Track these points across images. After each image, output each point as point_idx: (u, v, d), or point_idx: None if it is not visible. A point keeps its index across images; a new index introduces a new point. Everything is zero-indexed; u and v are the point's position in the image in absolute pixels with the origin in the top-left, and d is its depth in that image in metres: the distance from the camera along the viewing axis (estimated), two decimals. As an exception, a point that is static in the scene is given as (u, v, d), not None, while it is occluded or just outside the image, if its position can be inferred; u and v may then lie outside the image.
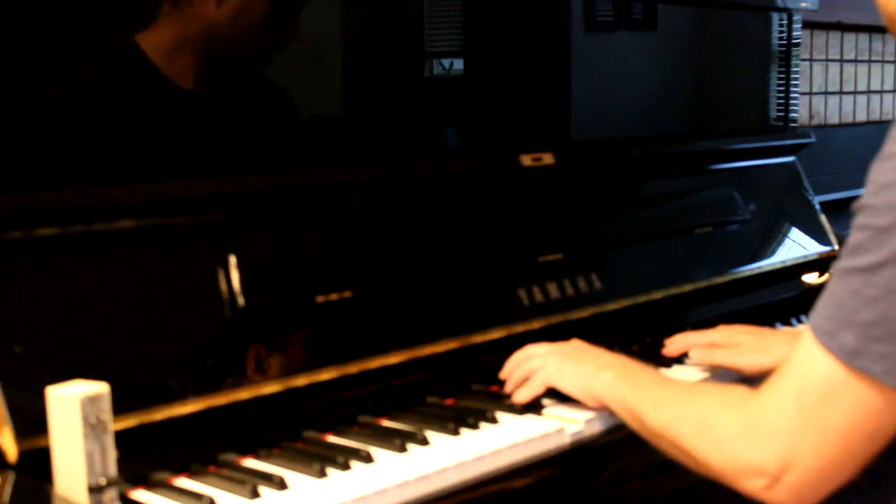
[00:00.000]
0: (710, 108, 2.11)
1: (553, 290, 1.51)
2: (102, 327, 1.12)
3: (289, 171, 1.38)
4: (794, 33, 2.16)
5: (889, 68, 3.06)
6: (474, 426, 1.22)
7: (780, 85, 2.16)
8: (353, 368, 1.28)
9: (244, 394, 1.18)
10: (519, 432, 1.20)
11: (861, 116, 2.97)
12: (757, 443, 0.96)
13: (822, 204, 2.07)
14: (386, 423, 1.24)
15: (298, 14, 1.44)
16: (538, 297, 1.49)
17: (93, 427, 0.95)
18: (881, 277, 0.89)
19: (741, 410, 0.99)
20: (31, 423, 1.02)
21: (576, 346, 1.31)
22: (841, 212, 2.20)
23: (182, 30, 1.30)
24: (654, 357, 1.47)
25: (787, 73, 2.16)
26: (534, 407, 1.28)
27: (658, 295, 1.66)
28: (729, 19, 2.10)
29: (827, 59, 2.81)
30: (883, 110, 3.05)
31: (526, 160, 1.61)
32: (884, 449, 0.95)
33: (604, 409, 1.23)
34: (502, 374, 1.33)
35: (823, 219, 2.03)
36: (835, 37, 2.81)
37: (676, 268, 1.73)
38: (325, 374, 1.25)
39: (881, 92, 3.05)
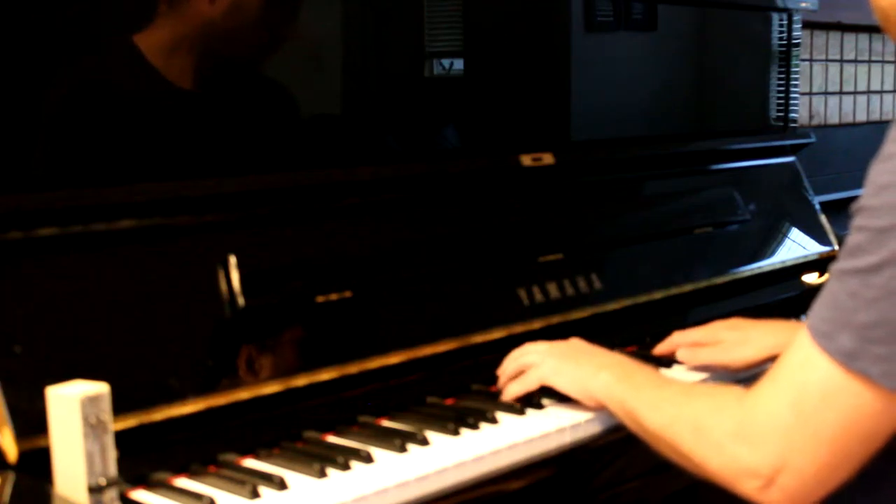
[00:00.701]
0: (710, 108, 2.11)
1: (553, 290, 1.51)
2: (102, 327, 1.12)
3: (289, 171, 1.38)
4: (794, 33, 2.16)
5: (889, 68, 3.06)
6: (474, 426, 1.22)
7: (780, 85, 2.16)
8: (353, 368, 1.28)
9: (244, 394, 1.18)
10: (519, 432, 1.20)
11: (861, 116, 2.97)
12: (752, 445, 0.96)
13: (822, 204, 2.07)
14: (386, 423, 1.24)
15: (295, 12, 1.44)
16: (538, 297, 1.49)
17: (93, 427, 0.95)
18: (880, 279, 0.89)
19: (736, 412, 0.99)
20: (31, 423, 1.02)
21: (573, 345, 1.31)
22: (841, 212, 2.19)
23: (178, 29, 1.31)
24: (654, 358, 1.47)
25: (787, 73, 2.16)
26: (534, 407, 1.28)
27: (658, 295, 1.66)
28: (729, 19, 2.10)
29: (827, 59, 2.81)
30: (883, 110, 3.05)
31: (526, 160, 1.61)
32: (879, 450, 0.95)
33: (602, 409, 1.23)
34: (499, 372, 1.33)
35: (823, 219, 2.03)
36: (835, 37, 2.81)
37: (676, 268, 1.73)
38: (325, 374, 1.25)
39: (881, 92, 3.06)
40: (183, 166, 1.29)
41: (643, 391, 1.15)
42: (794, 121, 2.19)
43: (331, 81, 1.52)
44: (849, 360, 0.91)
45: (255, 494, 1.03)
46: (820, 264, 1.97)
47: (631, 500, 1.36)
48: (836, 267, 0.94)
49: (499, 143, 1.66)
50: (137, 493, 1.05)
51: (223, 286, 1.22)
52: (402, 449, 1.14)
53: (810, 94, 2.75)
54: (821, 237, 2.00)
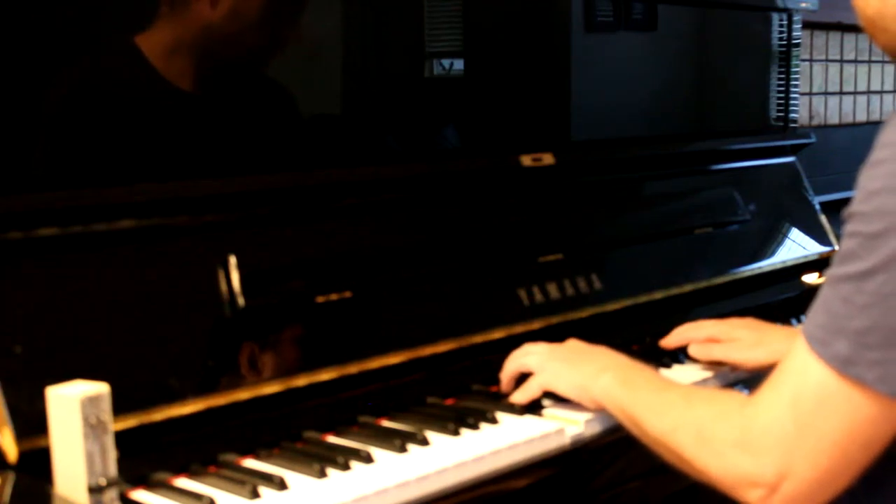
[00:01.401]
0: (710, 109, 2.11)
1: (553, 290, 1.51)
2: (102, 327, 1.12)
3: (289, 171, 1.38)
4: (794, 33, 2.16)
5: (889, 68, 3.06)
6: (474, 426, 1.22)
7: (780, 85, 2.16)
8: (353, 368, 1.28)
9: (244, 394, 1.18)
10: (519, 433, 1.20)
11: (861, 116, 2.97)
12: (753, 453, 0.96)
13: (822, 204, 2.07)
14: (386, 423, 1.24)
15: (295, 15, 1.44)
16: (538, 297, 1.49)
17: (93, 427, 0.95)
18: (872, 284, 0.89)
19: (737, 420, 0.99)
20: (31, 423, 1.02)
21: (572, 346, 1.31)
22: (841, 212, 2.19)
23: (179, 31, 1.31)
24: (654, 357, 1.47)
25: (787, 73, 2.16)
26: (534, 407, 1.28)
27: (658, 295, 1.66)
28: (729, 19, 2.10)
29: (827, 60, 2.81)
30: (883, 110, 3.05)
31: (526, 160, 1.61)
32: (880, 456, 0.95)
33: (602, 411, 1.23)
34: (501, 375, 1.33)
35: (823, 219, 2.03)
36: (835, 37, 2.81)
37: (677, 268, 1.73)
38: (325, 375, 1.25)
39: (881, 92, 3.05)
40: (183, 166, 1.29)
41: (644, 395, 1.14)
42: (794, 121, 2.19)
43: (331, 81, 1.52)
44: (844, 365, 0.91)
45: (255, 494, 1.03)
46: (820, 264, 1.97)
47: (631, 501, 1.36)
48: (829, 273, 0.94)
49: (499, 143, 1.66)
50: (137, 493, 1.05)
51: (223, 286, 1.22)
52: (403, 449, 1.14)
53: (810, 94, 2.75)
54: (821, 237, 2.00)
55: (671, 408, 1.09)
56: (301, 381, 1.23)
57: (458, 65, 1.65)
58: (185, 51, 1.31)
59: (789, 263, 1.91)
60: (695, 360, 1.46)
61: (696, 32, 2.06)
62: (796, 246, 1.95)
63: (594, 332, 1.43)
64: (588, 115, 1.82)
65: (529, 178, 1.62)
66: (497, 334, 1.43)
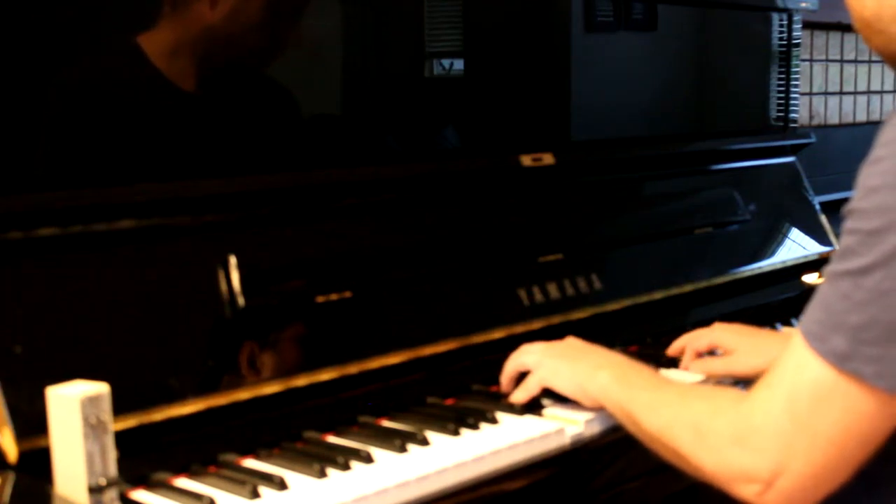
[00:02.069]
0: (710, 109, 2.11)
1: (553, 290, 1.51)
2: (102, 327, 1.12)
3: (289, 172, 1.38)
4: (794, 33, 2.16)
5: (889, 68, 3.05)
6: (474, 426, 1.22)
7: (780, 85, 2.16)
8: (353, 368, 1.28)
9: (244, 394, 1.18)
10: (519, 433, 1.20)
11: (861, 116, 2.97)
12: (749, 449, 0.97)
13: (822, 204, 2.07)
14: (386, 423, 1.24)
15: (296, 16, 1.44)
16: (538, 297, 1.49)
17: (93, 427, 0.95)
18: (871, 281, 0.89)
19: (733, 416, 0.99)
20: (31, 423, 1.02)
21: (570, 344, 1.31)
22: (840, 209, 2.18)
23: (180, 32, 1.31)
24: (654, 357, 1.47)
25: (787, 73, 2.16)
26: (534, 407, 1.28)
27: (658, 295, 1.66)
28: (729, 19, 2.10)
29: (827, 59, 2.81)
30: (883, 110, 3.05)
31: (526, 160, 1.61)
32: (878, 454, 0.95)
33: (600, 409, 1.23)
34: (501, 377, 1.33)
35: (823, 219, 2.03)
36: (835, 37, 2.81)
37: (677, 268, 1.73)
38: (325, 374, 1.25)
39: (881, 92, 3.05)
40: (183, 166, 1.29)
41: (641, 392, 1.15)
42: (794, 121, 2.19)
43: (331, 81, 1.52)
44: (842, 361, 0.91)
45: (255, 494, 1.03)
46: (820, 264, 1.97)
47: (631, 501, 1.36)
48: (828, 269, 0.94)
49: (499, 144, 1.66)
50: (137, 493, 1.05)
51: (223, 286, 1.22)
52: (403, 449, 1.14)
53: (810, 94, 2.75)
54: (821, 237, 2.00)
55: (668, 404, 1.10)
56: (301, 381, 1.23)
57: (458, 65, 1.65)
58: (186, 51, 1.31)
59: (789, 263, 1.91)
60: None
61: (696, 32, 2.06)
62: (796, 246, 1.95)
63: (594, 332, 1.43)
64: (588, 115, 1.82)
65: (529, 178, 1.62)
66: (497, 334, 1.43)
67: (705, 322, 1.61)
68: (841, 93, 2.87)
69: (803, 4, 2.15)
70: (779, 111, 2.17)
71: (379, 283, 1.36)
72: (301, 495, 1.03)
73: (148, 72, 1.29)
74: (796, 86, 2.19)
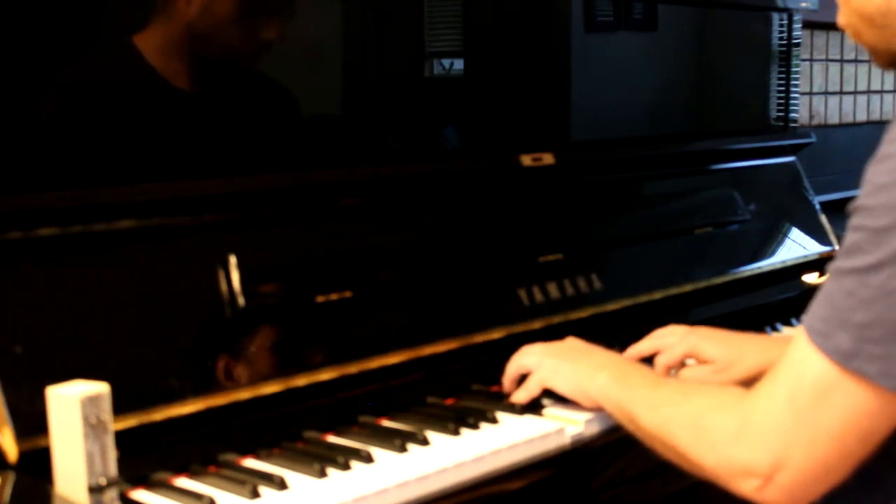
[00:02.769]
0: (710, 108, 2.11)
1: (553, 290, 1.51)
2: (102, 327, 1.12)
3: (289, 171, 1.38)
4: (794, 33, 2.16)
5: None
6: (474, 426, 1.22)
7: (780, 85, 2.16)
8: (353, 368, 1.28)
9: (244, 394, 1.18)
10: (519, 433, 1.20)
11: (861, 116, 2.97)
12: (749, 444, 0.96)
13: (822, 204, 2.07)
14: (386, 423, 1.24)
15: (277, 12, 1.41)
16: (538, 297, 1.49)
17: (93, 427, 0.95)
18: (877, 279, 0.89)
19: (734, 411, 0.99)
20: (31, 423, 1.02)
21: (571, 345, 1.31)
22: (841, 212, 2.18)
23: (168, 30, 1.30)
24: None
25: (787, 73, 2.16)
26: (534, 407, 1.28)
27: (658, 295, 1.66)
28: (729, 19, 2.10)
29: (827, 59, 2.81)
30: (883, 110, 3.05)
31: (526, 160, 1.61)
32: (877, 453, 0.95)
33: (600, 410, 1.23)
34: (503, 378, 1.33)
35: (823, 219, 2.03)
36: (835, 37, 2.81)
37: (676, 268, 1.73)
38: (325, 374, 1.25)
39: (881, 92, 3.05)
40: (183, 166, 1.29)
41: (640, 391, 1.15)
42: (794, 121, 2.19)
43: (331, 81, 1.52)
44: (846, 359, 0.91)
45: (255, 494, 1.03)
46: (820, 264, 1.97)
47: (631, 501, 1.36)
48: (833, 266, 0.94)
49: (499, 144, 1.66)
50: (137, 493, 1.05)
51: (223, 286, 1.22)
52: (403, 449, 1.14)
53: (810, 94, 2.75)
54: (821, 237, 2.00)
55: (667, 402, 1.09)
56: (301, 381, 1.23)
57: (458, 65, 1.65)
58: (174, 49, 1.31)
59: (789, 263, 1.91)
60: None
61: (696, 32, 2.06)
62: (796, 246, 1.95)
63: (594, 332, 1.42)
64: (588, 115, 1.82)
65: (529, 178, 1.61)
66: (497, 334, 1.43)
67: (705, 322, 1.61)
68: (841, 93, 2.87)
69: (803, 4, 2.15)
70: (779, 111, 2.17)
71: (379, 283, 1.36)
72: (301, 495, 1.03)
73: (144, 71, 1.29)
74: (796, 86, 2.19)
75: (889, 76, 3.07)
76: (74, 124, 1.23)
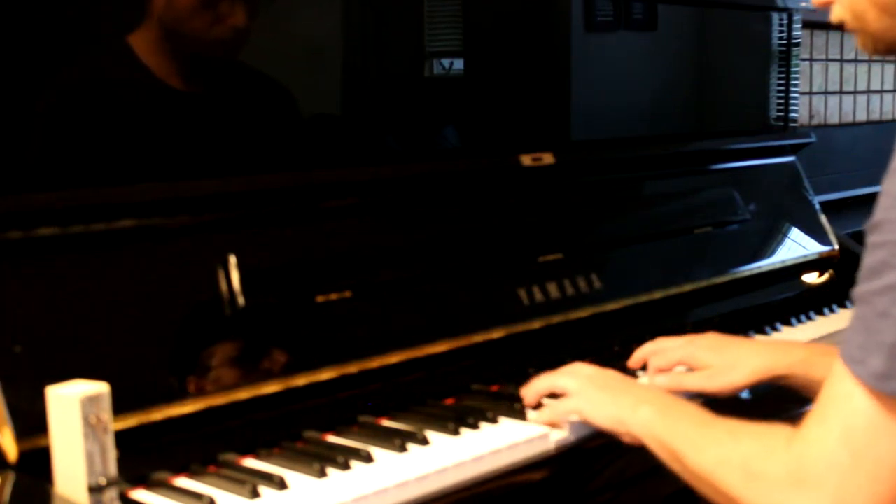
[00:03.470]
0: (710, 108, 2.11)
1: (553, 289, 1.51)
2: (102, 327, 1.12)
3: (289, 171, 1.38)
4: (794, 33, 2.16)
5: (889, 68, 3.06)
6: (474, 426, 1.22)
7: (780, 85, 2.16)
8: (352, 368, 1.28)
9: (244, 394, 1.18)
10: (519, 432, 1.20)
11: (861, 116, 2.97)
12: (807, 489, 0.92)
13: (822, 204, 2.07)
14: (386, 422, 1.24)
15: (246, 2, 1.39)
16: (538, 296, 1.49)
17: (93, 427, 0.95)
18: None
19: (786, 456, 0.94)
20: (31, 423, 1.02)
21: (612, 376, 1.25)
22: (841, 212, 2.19)
23: (153, 28, 1.30)
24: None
25: (787, 73, 2.16)
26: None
27: (658, 295, 1.66)
28: (729, 19, 2.10)
29: (827, 59, 2.81)
30: (883, 110, 3.05)
31: (526, 160, 1.61)
32: None
33: (639, 445, 1.17)
34: (527, 389, 1.29)
35: (823, 219, 2.03)
36: (835, 36, 2.81)
37: (676, 268, 1.73)
38: (325, 374, 1.25)
39: (881, 92, 3.05)
40: (183, 166, 1.29)
41: (685, 429, 1.09)
42: (794, 120, 2.19)
43: (331, 81, 1.52)
44: (881, 382, 0.86)
45: (255, 494, 1.03)
46: (820, 264, 1.97)
47: (631, 500, 1.36)
48: (859, 291, 0.90)
49: (499, 143, 1.66)
50: (137, 493, 1.05)
51: (223, 286, 1.22)
52: (402, 449, 1.14)
53: (810, 93, 2.75)
54: (821, 237, 2.00)
55: (715, 443, 1.04)
56: (301, 380, 1.23)
57: (458, 65, 1.65)
58: (161, 47, 1.31)
59: (789, 263, 1.91)
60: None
61: (696, 32, 2.06)
62: (796, 246, 1.95)
63: (594, 332, 1.43)
64: (588, 115, 1.82)
65: (529, 178, 1.62)
66: (497, 334, 1.43)
67: (705, 322, 1.62)
68: (841, 92, 2.87)
69: (803, 4, 2.15)
70: (779, 111, 2.17)
71: (379, 283, 1.36)
72: (301, 495, 1.03)
73: (139, 71, 1.29)
74: (796, 85, 2.19)
75: (889, 76, 3.07)
76: (74, 124, 1.23)
